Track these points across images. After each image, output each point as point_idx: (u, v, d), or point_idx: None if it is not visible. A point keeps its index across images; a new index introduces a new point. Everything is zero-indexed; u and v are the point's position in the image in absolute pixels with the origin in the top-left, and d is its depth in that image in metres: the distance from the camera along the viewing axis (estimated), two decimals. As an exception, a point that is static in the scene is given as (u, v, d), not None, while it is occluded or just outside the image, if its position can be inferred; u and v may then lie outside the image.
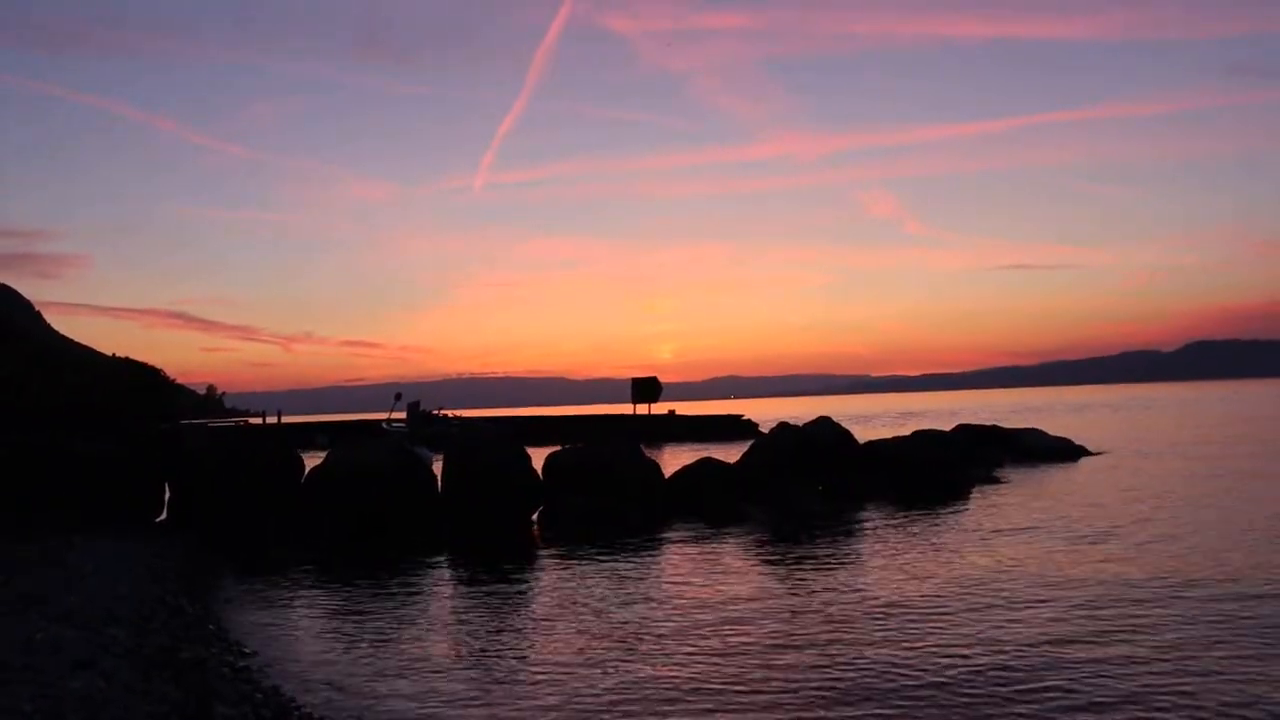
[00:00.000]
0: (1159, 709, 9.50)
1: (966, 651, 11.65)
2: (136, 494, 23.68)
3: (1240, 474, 31.47)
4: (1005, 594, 14.85)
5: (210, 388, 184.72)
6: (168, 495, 24.62)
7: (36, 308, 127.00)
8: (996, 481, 31.87)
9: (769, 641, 12.53)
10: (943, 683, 10.49)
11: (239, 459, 24.49)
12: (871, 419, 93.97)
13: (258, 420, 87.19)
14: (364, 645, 13.16)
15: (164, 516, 24.37)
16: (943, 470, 31.00)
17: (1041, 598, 14.48)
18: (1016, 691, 10.11)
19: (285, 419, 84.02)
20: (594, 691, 10.64)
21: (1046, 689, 10.15)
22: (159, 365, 39.36)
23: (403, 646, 13.02)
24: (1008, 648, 11.73)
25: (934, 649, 11.83)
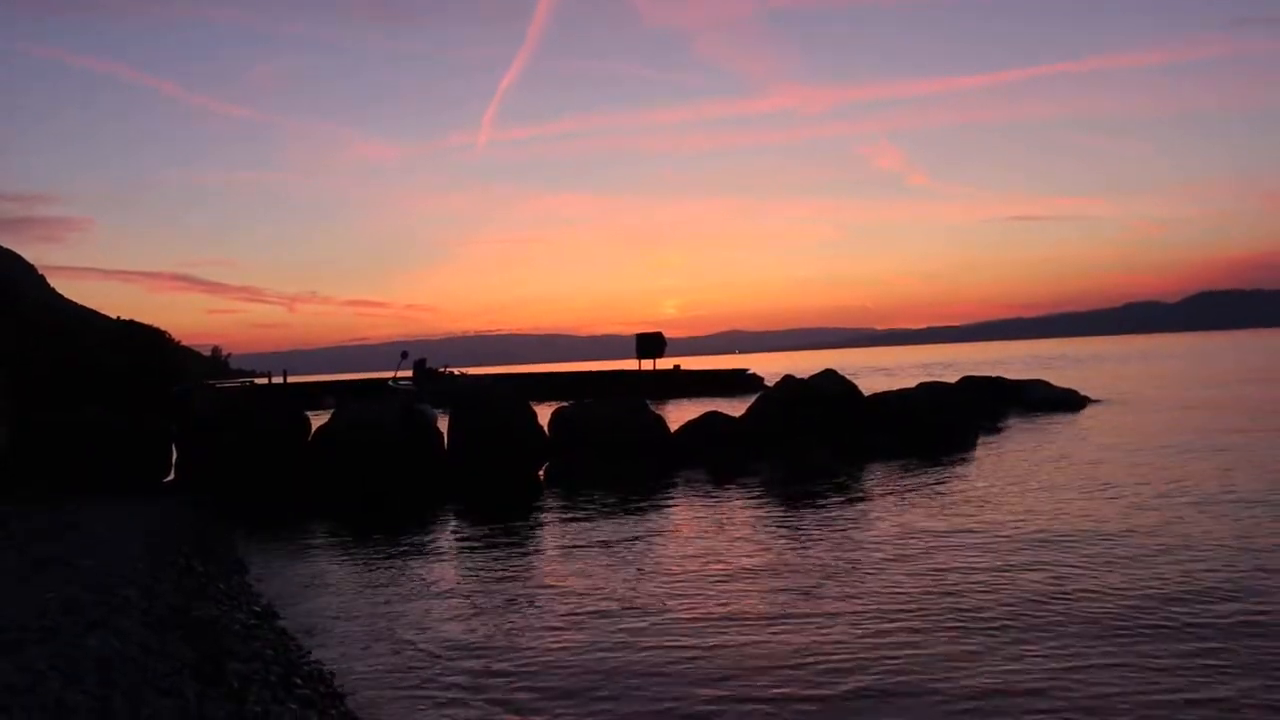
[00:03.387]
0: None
1: (975, 602, 11.73)
2: (144, 457, 23.78)
3: (1238, 427, 31.47)
4: (1009, 544, 14.92)
5: (216, 349, 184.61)
6: (174, 457, 24.71)
7: (40, 271, 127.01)
8: (1000, 432, 31.96)
9: (776, 595, 12.60)
10: (951, 627, 10.58)
11: (244, 420, 24.57)
12: (876, 372, 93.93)
13: (264, 381, 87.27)
14: (373, 601, 13.27)
15: (171, 478, 24.48)
16: (947, 422, 31.05)
17: (1046, 544, 14.57)
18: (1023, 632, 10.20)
19: (291, 379, 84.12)
20: (604, 643, 10.72)
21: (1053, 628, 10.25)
22: (164, 328, 39.38)
23: (412, 601, 13.13)
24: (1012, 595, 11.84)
25: (945, 589, 11.91)
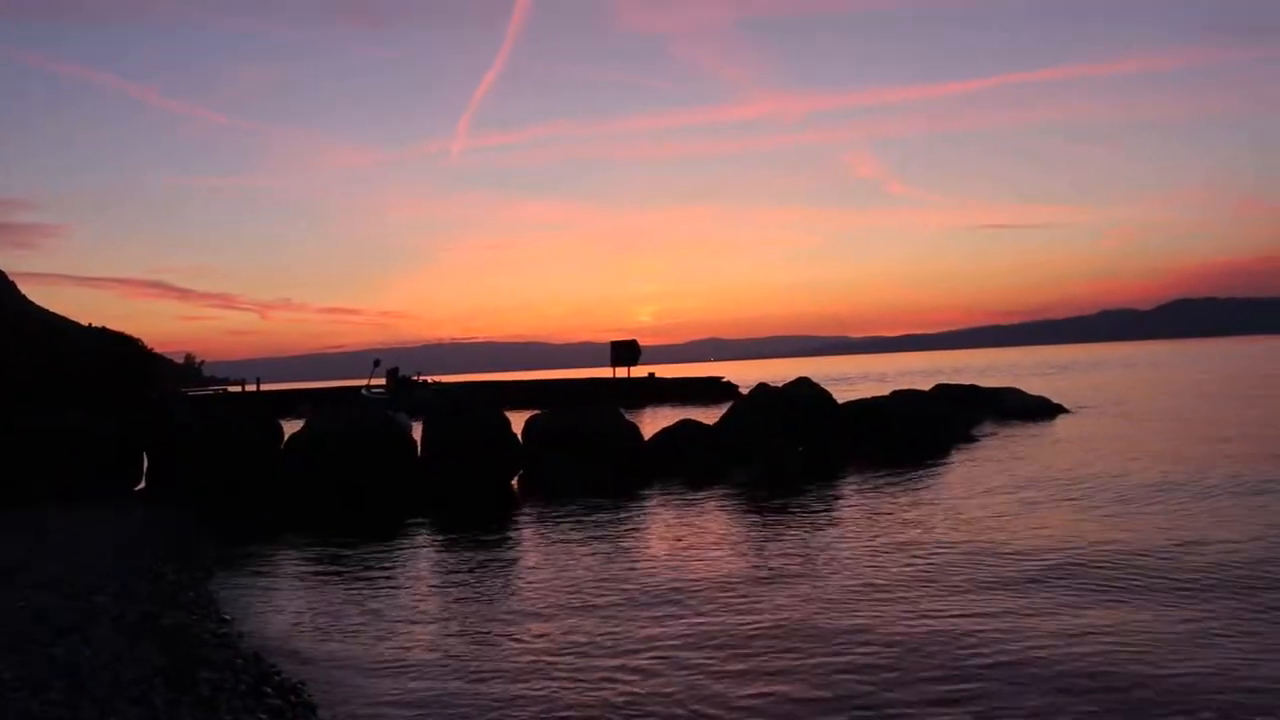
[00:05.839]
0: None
1: (939, 618, 11.81)
2: (115, 464, 23.65)
3: (1206, 437, 31.76)
4: (977, 552, 15.03)
5: (189, 356, 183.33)
6: (146, 464, 24.58)
7: (10, 278, 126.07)
8: (975, 440, 32.14)
9: (746, 600, 12.65)
10: (911, 646, 10.65)
11: (217, 427, 24.49)
12: (851, 380, 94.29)
13: (237, 388, 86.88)
14: (344, 610, 13.24)
15: (143, 485, 24.36)
16: (921, 430, 31.22)
17: (1013, 554, 14.68)
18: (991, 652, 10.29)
19: (265, 387, 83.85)
20: (579, 652, 10.75)
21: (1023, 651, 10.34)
22: (137, 335, 39.09)
23: (383, 611, 13.11)
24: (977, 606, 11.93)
25: (897, 613, 11.99)
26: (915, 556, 14.80)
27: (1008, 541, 15.56)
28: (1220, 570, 13.01)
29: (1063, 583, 12.73)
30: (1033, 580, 12.92)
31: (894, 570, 13.97)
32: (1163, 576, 12.79)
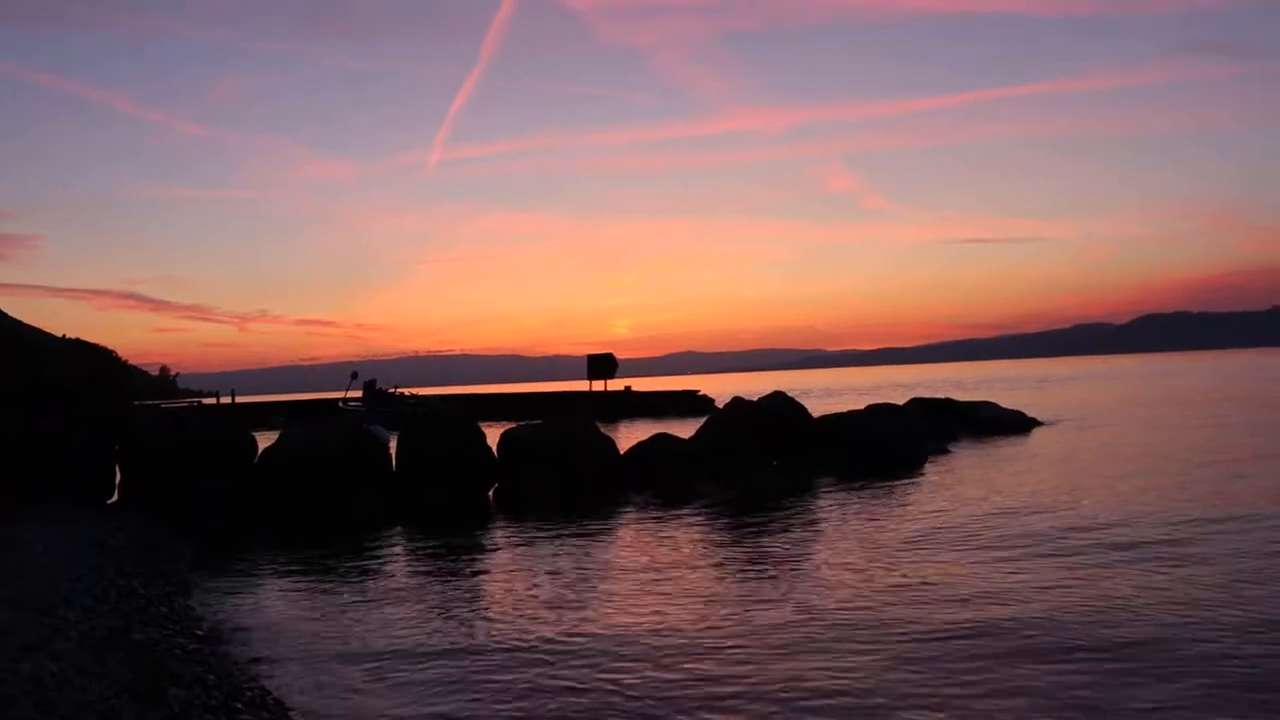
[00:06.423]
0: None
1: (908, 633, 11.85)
2: (87, 475, 23.46)
3: (1173, 447, 31.98)
4: (952, 563, 15.09)
5: (164, 368, 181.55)
6: (119, 477, 24.40)
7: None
8: (949, 454, 32.24)
9: (718, 613, 12.67)
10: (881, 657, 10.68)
11: (191, 439, 24.33)
12: (827, 393, 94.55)
13: (211, 401, 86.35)
14: (318, 624, 13.19)
15: (115, 498, 24.18)
16: (896, 443, 31.29)
17: (988, 561, 14.74)
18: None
19: (240, 399, 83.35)
20: (549, 665, 10.73)
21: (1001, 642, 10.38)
22: (111, 346, 38.94)
23: (357, 625, 13.06)
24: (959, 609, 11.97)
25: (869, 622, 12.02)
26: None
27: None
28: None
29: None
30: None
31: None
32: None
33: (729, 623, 12.22)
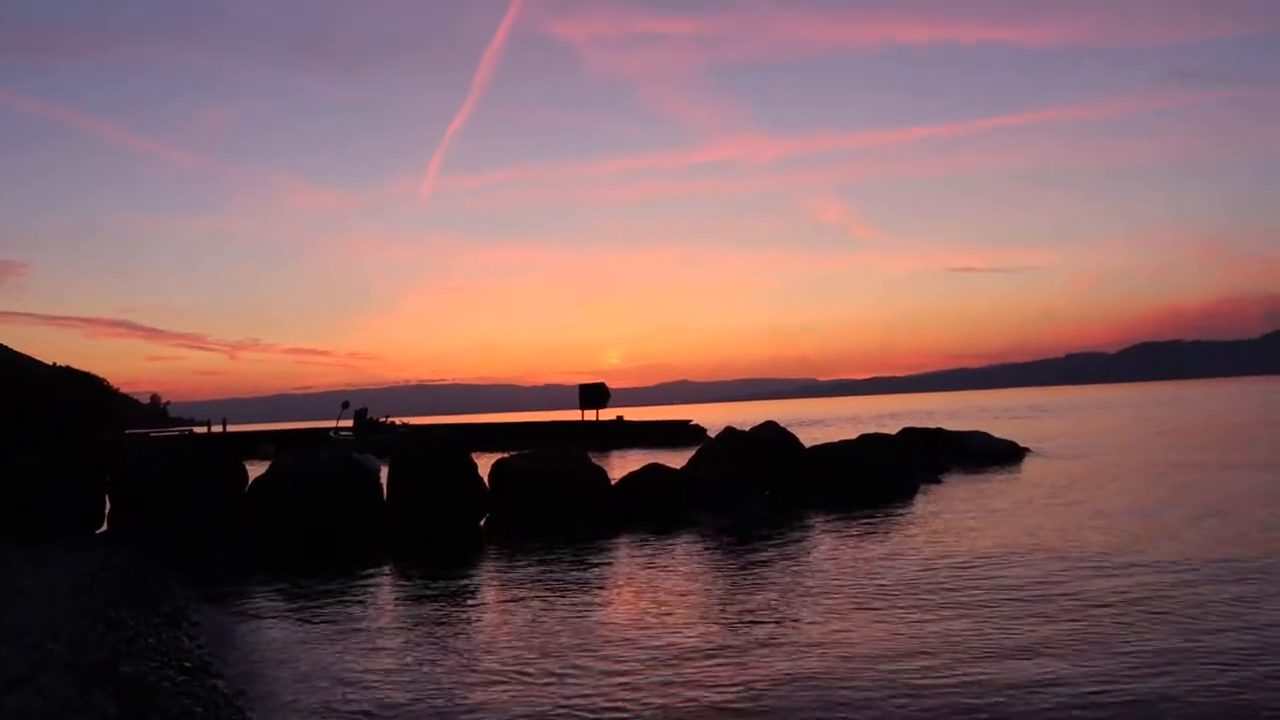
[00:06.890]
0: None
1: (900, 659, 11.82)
2: (76, 505, 23.32)
3: (1167, 476, 32.04)
4: (941, 595, 15.07)
5: (155, 397, 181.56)
6: (108, 507, 24.27)
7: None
8: (941, 484, 32.24)
9: (708, 646, 12.64)
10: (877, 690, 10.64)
11: (181, 469, 24.21)
12: (819, 423, 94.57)
13: (202, 429, 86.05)
14: (308, 656, 13.12)
15: (104, 528, 24.04)
16: (888, 473, 31.29)
17: (978, 600, 14.73)
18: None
19: (231, 428, 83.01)
20: (541, 700, 10.69)
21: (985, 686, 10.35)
22: (103, 374, 38.75)
23: (347, 657, 13.00)
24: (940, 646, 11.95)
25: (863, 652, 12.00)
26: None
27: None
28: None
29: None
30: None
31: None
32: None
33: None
